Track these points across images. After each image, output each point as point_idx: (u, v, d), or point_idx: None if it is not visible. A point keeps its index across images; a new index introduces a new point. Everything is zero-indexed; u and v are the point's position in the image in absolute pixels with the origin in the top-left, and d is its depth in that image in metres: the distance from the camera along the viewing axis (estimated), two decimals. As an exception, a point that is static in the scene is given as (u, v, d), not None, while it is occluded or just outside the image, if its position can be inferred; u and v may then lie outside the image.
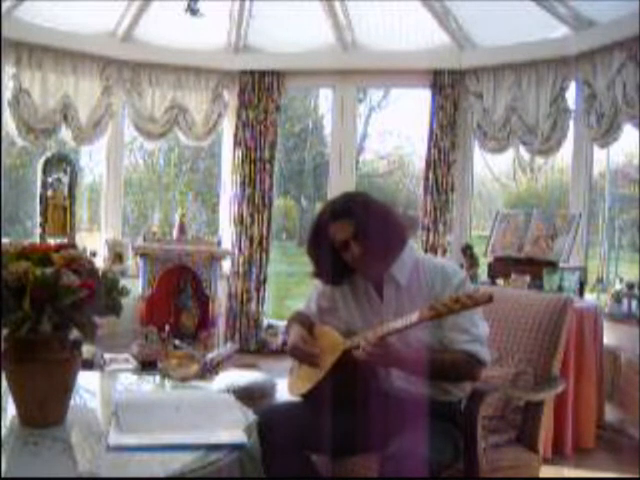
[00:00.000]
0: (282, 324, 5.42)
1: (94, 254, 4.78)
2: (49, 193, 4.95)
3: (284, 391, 2.36)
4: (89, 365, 3.67)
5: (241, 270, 5.37)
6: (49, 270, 1.54)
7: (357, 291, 2.13)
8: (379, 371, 2.05)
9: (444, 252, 4.90)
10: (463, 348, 1.92)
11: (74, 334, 1.63)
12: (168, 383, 2.42)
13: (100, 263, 5.05)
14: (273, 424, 1.93)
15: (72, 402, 1.70)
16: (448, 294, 1.94)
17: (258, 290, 5.40)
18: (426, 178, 5.04)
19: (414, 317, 1.80)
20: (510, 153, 4.77)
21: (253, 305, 5.38)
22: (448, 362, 1.92)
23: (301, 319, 2.20)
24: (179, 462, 1.44)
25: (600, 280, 4.32)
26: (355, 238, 1.97)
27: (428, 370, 1.90)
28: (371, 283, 2.10)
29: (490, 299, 1.74)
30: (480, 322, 1.99)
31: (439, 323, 1.95)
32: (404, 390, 2.02)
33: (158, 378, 2.71)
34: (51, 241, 4.57)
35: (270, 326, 5.47)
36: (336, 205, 2.06)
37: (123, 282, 1.73)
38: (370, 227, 1.97)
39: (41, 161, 4.98)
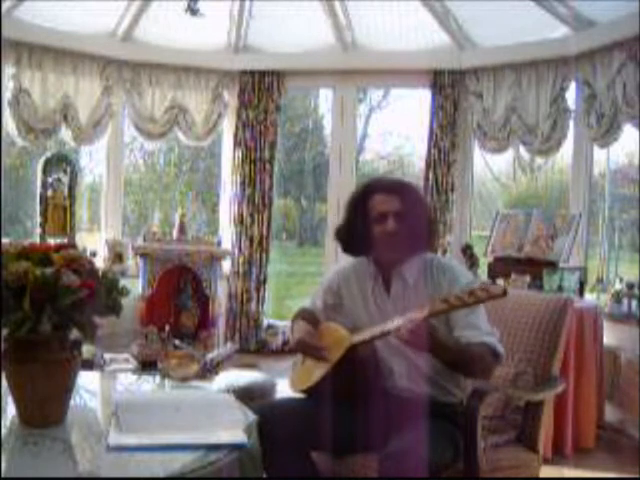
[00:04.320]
0: (282, 324, 5.42)
1: (94, 254, 4.78)
2: (49, 193, 4.94)
3: (284, 391, 2.36)
4: (89, 365, 3.67)
5: (241, 270, 5.37)
6: (49, 270, 1.54)
7: (365, 288, 2.13)
8: (382, 369, 2.04)
9: (444, 252, 4.89)
10: (483, 340, 1.92)
11: (74, 334, 1.62)
12: (168, 383, 2.42)
13: (100, 263, 5.05)
14: (274, 419, 1.93)
15: (72, 402, 1.70)
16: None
17: (258, 290, 5.40)
18: (426, 178, 5.04)
19: (425, 311, 1.77)
20: (510, 153, 4.77)
21: (253, 305, 5.38)
22: (476, 354, 1.91)
23: (306, 316, 2.19)
24: (179, 462, 1.44)
25: (600, 280, 4.32)
26: (395, 214, 2.00)
27: (459, 358, 1.90)
28: (380, 279, 2.10)
29: (504, 293, 1.74)
30: (489, 324, 1.99)
31: (447, 322, 1.95)
32: (406, 390, 2.02)
33: (158, 378, 2.71)
34: (51, 241, 4.57)
35: (270, 326, 5.46)
36: (389, 180, 2.14)
37: (123, 282, 1.73)
38: (412, 212, 2.01)
39: (41, 161, 4.97)
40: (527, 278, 3.80)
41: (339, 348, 1.98)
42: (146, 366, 4.31)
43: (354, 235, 2.10)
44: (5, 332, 1.56)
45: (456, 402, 2.05)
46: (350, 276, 2.17)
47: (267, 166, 5.37)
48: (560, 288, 3.72)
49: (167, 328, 4.79)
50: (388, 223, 1.99)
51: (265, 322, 5.47)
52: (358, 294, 2.15)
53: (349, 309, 2.17)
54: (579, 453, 3.39)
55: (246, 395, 2.75)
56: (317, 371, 2.02)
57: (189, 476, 1.42)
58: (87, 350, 3.43)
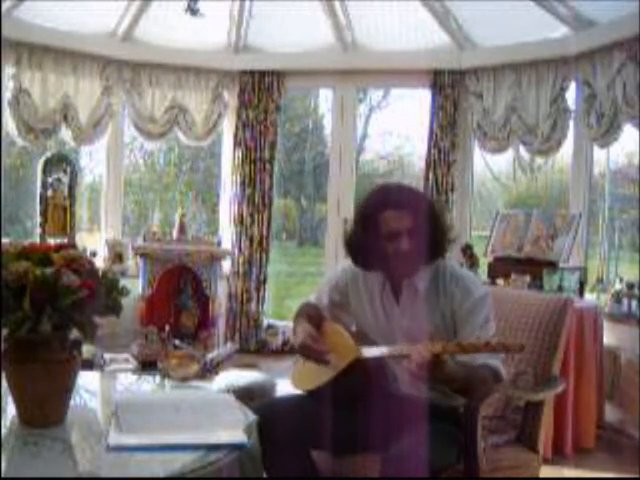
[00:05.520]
0: (282, 324, 5.42)
1: (94, 254, 4.78)
2: (49, 193, 4.95)
3: (284, 391, 2.35)
4: (89, 365, 3.67)
5: (241, 270, 5.37)
6: (49, 270, 1.54)
7: (372, 291, 2.10)
8: (387, 374, 2.03)
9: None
10: (487, 362, 1.88)
11: (74, 334, 1.62)
12: (168, 383, 2.42)
13: (100, 263, 5.05)
14: (274, 418, 1.92)
15: (72, 402, 1.70)
16: (467, 307, 1.93)
17: (258, 290, 5.40)
18: (426, 178, 5.04)
19: (438, 346, 1.72)
20: (510, 153, 4.77)
21: (253, 305, 5.38)
22: (480, 380, 1.88)
23: (310, 313, 2.16)
24: (179, 462, 1.44)
25: (600, 280, 4.32)
26: (409, 232, 1.92)
27: (462, 386, 1.87)
28: (389, 284, 2.06)
29: (521, 349, 1.71)
30: None
31: (455, 336, 1.92)
32: (408, 393, 2.01)
33: (158, 378, 2.71)
34: (51, 241, 4.57)
35: (270, 326, 5.46)
36: (400, 194, 2.01)
37: (123, 282, 1.72)
38: (426, 227, 1.94)
39: (41, 161, 4.97)
40: (527, 278, 3.80)
41: (344, 358, 1.95)
42: (146, 366, 4.31)
43: (365, 250, 2.03)
44: (5, 332, 1.56)
45: (458, 405, 2.04)
46: (358, 276, 2.13)
47: (267, 166, 5.37)
48: (560, 288, 3.72)
49: (167, 328, 4.79)
50: (402, 242, 1.92)
51: (265, 322, 5.46)
52: (365, 296, 2.11)
53: (355, 309, 2.14)
54: (579, 453, 3.39)
55: (246, 395, 2.75)
56: (320, 376, 2.00)
57: (189, 476, 1.42)
58: (87, 350, 3.43)
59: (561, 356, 2.31)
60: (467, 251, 4.29)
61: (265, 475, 1.86)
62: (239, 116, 5.37)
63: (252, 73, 5.32)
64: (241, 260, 5.37)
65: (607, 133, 4.08)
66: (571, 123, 4.44)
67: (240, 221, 5.38)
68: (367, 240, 1.99)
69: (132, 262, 5.22)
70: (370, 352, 1.93)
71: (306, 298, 2.31)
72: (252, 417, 1.72)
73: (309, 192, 9.57)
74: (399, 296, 2.05)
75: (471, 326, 1.91)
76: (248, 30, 5.26)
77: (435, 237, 1.97)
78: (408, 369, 1.74)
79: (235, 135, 5.40)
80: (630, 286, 3.82)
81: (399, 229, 1.92)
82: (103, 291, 1.63)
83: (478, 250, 4.31)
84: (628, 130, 4.04)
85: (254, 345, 5.35)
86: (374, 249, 1.98)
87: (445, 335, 1.88)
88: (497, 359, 1.92)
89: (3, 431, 1.60)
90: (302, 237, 10.09)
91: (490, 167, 5.06)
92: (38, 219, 4.94)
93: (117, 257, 5.21)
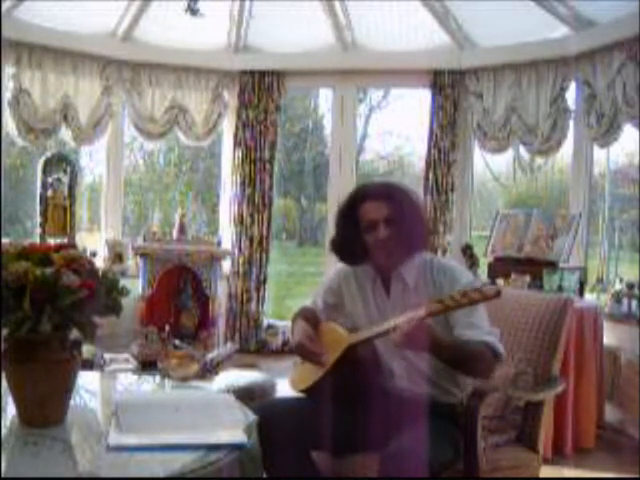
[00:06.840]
0: (282, 324, 5.42)
1: (94, 254, 4.78)
2: (49, 193, 4.94)
3: (284, 391, 2.36)
4: (89, 365, 3.67)
5: (241, 270, 5.37)
6: (49, 270, 1.54)
7: (364, 288, 2.14)
8: (383, 369, 2.05)
9: (444, 252, 4.90)
10: (482, 339, 1.91)
11: (74, 334, 1.62)
12: (168, 383, 2.42)
13: (100, 263, 5.05)
14: (274, 418, 1.93)
15: (72, 402, 1.70)
16: None
17: (258, 290, 5.40)
18: (426, 178, 5.04)
19: (421, 311, 1.77)
20: (510, 153, 4.77)
21: (253, 305, 5.38)
22: (476, 352, 1.90)
23: (306, 315, 2.19)
24: (179, 462, 1.44)
25: (600, 280, 4.32)
26: (386, 221, 1.99)
27: (457, 356, 1.89)
28: (379, 280, 2.10)
29: (498, 294, 1.74)
30: (490, 324, 1.99)
31: (447, 323, 1.95)
32: (406, 390, 2.02)
33: (158, 378, 2.71)
34: (51, 241, 4.57)
35: (270, 326, 5.46)
36: (375, 186, 2.11)
37: (123, 282, 1.72)
38: (403, 215, 2.00)
39: (41, 161, 4.97)
40: (527, 278, 3.80)
41: (337, 348, 1.98)
42: (146, 366, 4.31)
43: (348, 246, 2.10)
44: (5, 332, 1.56)
45: (456, 402, 2.06)
46: (350, 276, 2.18)
47: (267, 166, 5.37)
48: (560, 288, 3.72)
49: (167, 328, 4.79)
50: (379, 231, 1.99)
51: (265, 322, 5.46)
52: (358, 295, 2.15)
53: (349, 309, 2.17)
54: (579, 453, 3.40)
55: (246, 395, 2.75)
56: (316, 371, 2.02)
57: (189, 476, 1.42)
58: (87, 350, 3.43)
59: (561, 356, 2.31)
60: (467, 251, 4.29)
61: (265, 475, 1.87)
62: (239, 116, 5.37)
63: (252, 73, 5.32)
64: (241, 260, 5.37)
65: (607, 133, 4.09)
66: (571, 123, 4.45)
67: (240, 221, 5.38)
68: (349, 235, 2.07)
69: (132, 262, 5.22)
70: (361, 335, 1.97)
71: (305, 299, 2.34)
72: (252, 417, 1.73)
73: (309, 192, 9.57)
74: (389, 290, 2.08)
75: (463, 310, 1.92)
76: (248, 30, 5.26)
77: (414, 226, 2.03)
78: (396, 340, 1.79)
79: (235, 135, 5.40)
80: (630, 286, 3.83)
81: (376, 219, 2.00)
82: (103, 291, 1.63)
83: (478, 250, 4.31)
84: (628, 130, 4.04)
85: (254, 345, 5.35)
86: (356, 243, 2.05)
87: (437, 325, 1.89)
88: (493, 336, 1.94)
89: (3, 431, 1.60)
90: (302, 237, 10.09)
91: (490, 167, 5.05)
92: (38, 219, 4.93)
93: (117, 257, 5.21)
